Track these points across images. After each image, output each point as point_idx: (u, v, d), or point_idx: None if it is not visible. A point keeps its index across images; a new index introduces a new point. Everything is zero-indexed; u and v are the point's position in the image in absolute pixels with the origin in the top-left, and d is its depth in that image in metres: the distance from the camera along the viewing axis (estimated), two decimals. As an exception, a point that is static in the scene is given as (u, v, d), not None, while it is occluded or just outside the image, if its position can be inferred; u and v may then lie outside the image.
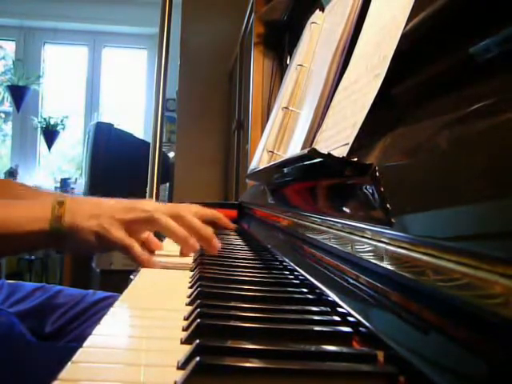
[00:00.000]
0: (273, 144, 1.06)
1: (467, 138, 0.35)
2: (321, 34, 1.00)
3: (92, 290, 1.03)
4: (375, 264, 0.41)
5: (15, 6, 4.37)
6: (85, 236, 0.71)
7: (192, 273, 0.69)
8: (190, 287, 0.59)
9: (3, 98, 4.65)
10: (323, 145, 0.66)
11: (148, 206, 0.78)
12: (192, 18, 2.94)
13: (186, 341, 0.38)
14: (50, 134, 4.43)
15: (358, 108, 0.57)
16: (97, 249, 0.74)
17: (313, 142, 0.73)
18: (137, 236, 0.77)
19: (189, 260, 0.81)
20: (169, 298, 0.56)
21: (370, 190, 0.46)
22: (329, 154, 0.53)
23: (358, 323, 0.39)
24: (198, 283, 0.56)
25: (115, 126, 3.34)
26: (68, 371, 0.32)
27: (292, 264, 0.65)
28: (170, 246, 0.88)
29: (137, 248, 0.73)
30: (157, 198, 1.54)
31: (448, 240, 0.31)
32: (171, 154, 3.41)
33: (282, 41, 1.93)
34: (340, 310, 0.44)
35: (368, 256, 0.43)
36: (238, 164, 2.40)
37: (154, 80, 1.68)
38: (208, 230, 0.79)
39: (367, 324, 0.37)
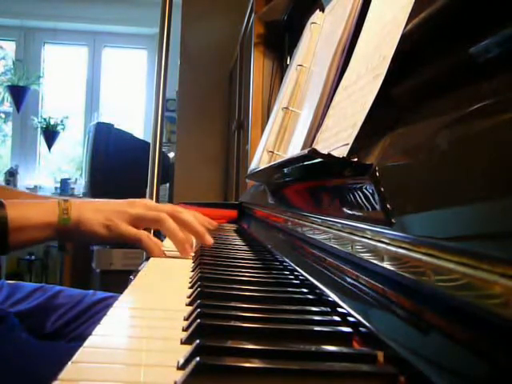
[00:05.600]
0: (273, 144, 1.06)
1: (467, 138, 0.35)
2: (321, 34, 1.00)
3: (92, 290, 1.03)
4: (375, 264, 0.41)
5: (15, 6, 4.37)
6: (93, 228, 0.77)
7: (192, 273, 0.69)
8: (190, 287, 0.59)
9: (3, 98, 4.64)
10: (323, 145, 0.66)
11: (150, 203, 0.84)
12: (192, 18, 2.94)
13: (186, 341, 0.38)
14: (50, 134, 4.43)
15: (358, 108, 0.57)
16: (105, 240, 0.80)
17: (313, 142, 0.73)
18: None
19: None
20: (169, 298, 0.56)
21: (370, 190, 0.46)
22: (329, 154, 0.53)
23: (358, 323, 0.39)
24: (198, 283, 0.56)
25: (115, 126, 3.34)
26: (68, 371, 0.32)
27: (292, 264, 0.65)
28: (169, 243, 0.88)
29: (148, 240, 0.80)
30: (157, 199, 1.54)
31: (448, 240, 0.31)
32: (171, 154, 3.41)
33: (282, 41, 1.93)
34: (340, 310, 0.44)
35: (368, 256, 0.43)
36: (238, 164, 2.40)
37: (154, 80, 1.68)
38: (201, 227, 0.85)
39: (367, 324, 0.37)
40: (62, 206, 0.76)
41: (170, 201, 3.02)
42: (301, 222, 0.71)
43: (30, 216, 0.74)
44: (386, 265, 0.39)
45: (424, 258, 0.32)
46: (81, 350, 0.35)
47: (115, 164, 3.15)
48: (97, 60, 4.70)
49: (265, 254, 0.83)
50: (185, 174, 2.95)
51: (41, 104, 4.66)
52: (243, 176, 1.93)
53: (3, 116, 4.75)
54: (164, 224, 0.80)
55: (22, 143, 4.57)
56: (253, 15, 1.98)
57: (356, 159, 0.51)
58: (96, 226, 0.77)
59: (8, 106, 4.66)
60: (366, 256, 0.44)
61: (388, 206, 0.41)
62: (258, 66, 1.94)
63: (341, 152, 0.54)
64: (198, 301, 0.47)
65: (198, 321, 0.39)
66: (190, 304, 0.50)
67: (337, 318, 0.43)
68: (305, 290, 0.55)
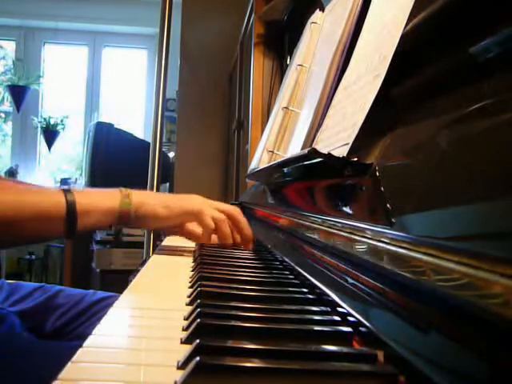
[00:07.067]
0: (273, 144, 1.06)
1: (467, 138, 0.35)
2: (321, 34, 1.00)
3: (92, 290, 1.03)
4: (375, 264, 0.41)
5: (15, 6, 4.37)
6: (154, 208, 0.83)
7: (192, 272, 0.69)
8: (190, 287, 0.59)
9: (3, 97, 4.64)
10: (323, 145, 0.66)
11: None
12: (192, 18, 2.94)
13: (186, 341, 0.38)
14: (50, 133, 4.43)
15: (358, 108, 0.57)
16: (167, 222, 0.85)
17: (313, 141, 0.73)
18: None
19: None
20: (169, 297, 0.56)
21: (370, 190, 0.46)
22: (329, 154, 0.53)
23: (358, 323, 0.39)
24: (198, 283, 0.56)
25: (115, 126, 3.34)
26: (68, 371, 0.32)
27: (292, 264, 0.65)
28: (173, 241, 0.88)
29: (208, 218, 0.86)
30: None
31: (448, 240, 0.31)
32: (171, 154, 3.40)
33: (282, 41, 1.93)
34: (340, 309, 0.44)
35: (368, 256, 0.43)
36: (238, 164, 2.40)
37: (154, 80, 1.68)
38: (250, 231, 0.91)
39: (367, 324, 0.37)
40: (123, 193, 0.81)
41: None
42: (301, 221, 0.71)
43: (95, 201, 0.79)
44: (386, 265, 0.39)
45: (424, 257, 0.32)
46: (81, 349, 0.35)
47: (115, 164, 3.14)
48: (97, 60, 4.70)
49: (265, 254, 0.83)
50: (185, 174, 2.95)
51: (41, 104, 4.66)
52: (243, 176, 1.93)
53: (3, 116, 4.74)
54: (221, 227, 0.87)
55: (22, 143, 4.57)
56: (253, 15, 1.98)
57: (356, 159, 0.51)
58: (157, 207, 0.83)
59: (8, 106, 4.65)
60: (366, 256, 0.44)
61: (388, 205, 0.41)
62: (258, 65, 1.94)
63: (341, 152, 0.54)
64: (198, 300, 0.47)
65: (198, 320, 0.39)
66: (189, 304, 0.50)
67: (337, 318, 0.43)
68: (305, 290, 0.55)
